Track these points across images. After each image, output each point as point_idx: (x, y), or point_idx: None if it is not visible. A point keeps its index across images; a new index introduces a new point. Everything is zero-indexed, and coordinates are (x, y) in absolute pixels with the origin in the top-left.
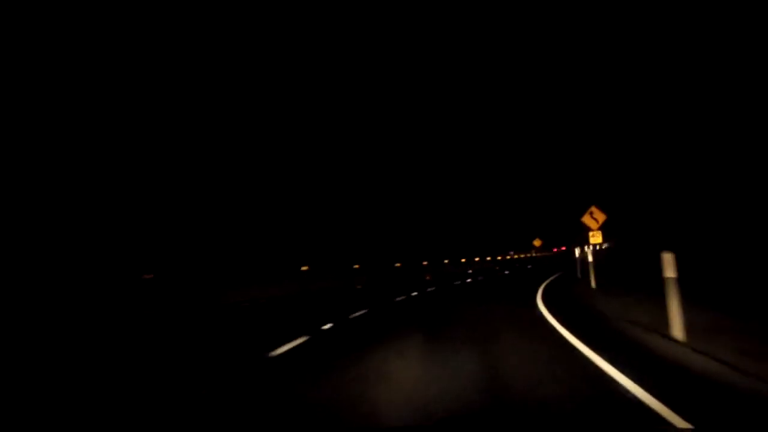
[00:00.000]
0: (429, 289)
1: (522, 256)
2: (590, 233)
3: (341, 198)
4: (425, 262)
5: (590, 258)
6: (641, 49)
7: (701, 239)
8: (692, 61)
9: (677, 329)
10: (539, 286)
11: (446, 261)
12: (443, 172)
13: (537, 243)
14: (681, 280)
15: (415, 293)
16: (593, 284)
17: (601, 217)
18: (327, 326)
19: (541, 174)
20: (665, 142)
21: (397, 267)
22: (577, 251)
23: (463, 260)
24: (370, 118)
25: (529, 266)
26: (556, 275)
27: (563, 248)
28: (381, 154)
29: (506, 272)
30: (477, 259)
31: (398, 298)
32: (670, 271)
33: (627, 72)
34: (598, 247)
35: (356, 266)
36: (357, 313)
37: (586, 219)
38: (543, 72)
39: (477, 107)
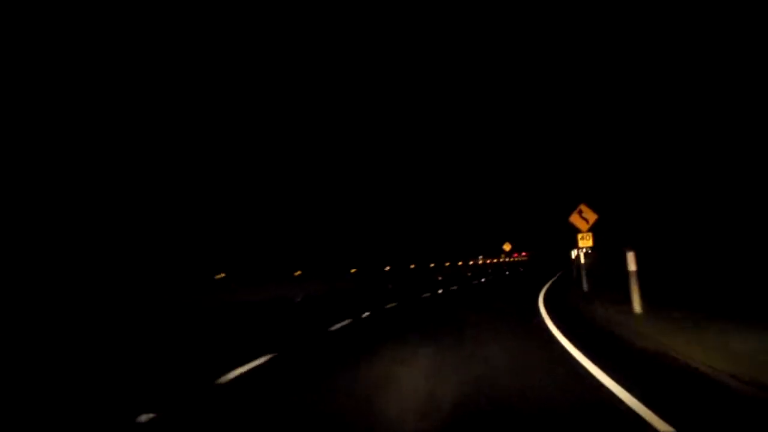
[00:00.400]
0: (388, 306)
1: (494, 260)
2: (579, 235)
3: (288, 193)
4: (387, 267)
5: (633, 266)
6: (619, 38)
7: (703, 243)
8: (679, 57)
9: None
10: (536, 302)
11: (413, 266)
12: (408, 171)
13: (507, 247)
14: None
15: (368, 313)
16: (637, 308)
17: (591, 216)
18: (143, 419)
19: (508, 174)
20: (648, 138)
21: (353, 273)
22: (582, 257)
23: (432, 265)
24: (329, 116)
25: (506, 272)
26: (547, 285)
27: (524, 253)
28: (337, 149)
29: (482, 280)
30: (447, 264)
31: (337, 326)
32: None
33: (587, 61)
34: (585, 251)
35: (298, 273)
36: (247, 367)
37: (575, 219)
38: (502, 65)
39: (438, 106)
